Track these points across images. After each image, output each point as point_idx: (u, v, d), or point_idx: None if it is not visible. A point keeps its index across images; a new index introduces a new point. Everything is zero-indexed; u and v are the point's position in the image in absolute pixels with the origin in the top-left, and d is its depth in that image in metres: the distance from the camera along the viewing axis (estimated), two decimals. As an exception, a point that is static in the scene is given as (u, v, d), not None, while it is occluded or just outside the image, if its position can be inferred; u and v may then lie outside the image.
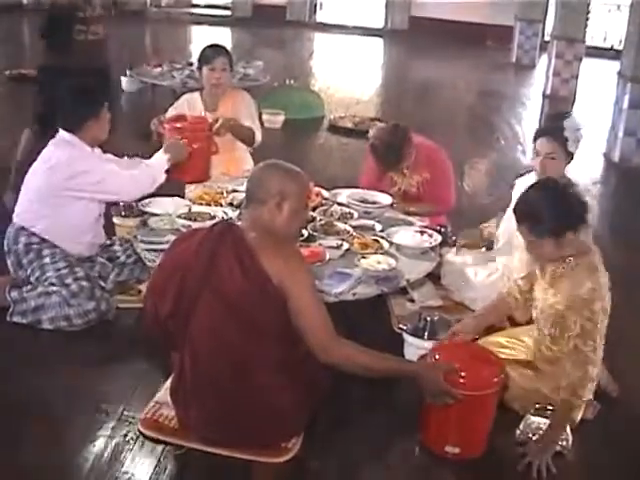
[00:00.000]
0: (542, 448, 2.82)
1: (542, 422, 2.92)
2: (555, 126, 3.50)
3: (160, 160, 3.89)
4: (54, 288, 3.57)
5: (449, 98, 9.80)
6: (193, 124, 4.16)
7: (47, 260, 3.63)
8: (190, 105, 4.57)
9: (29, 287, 3.64)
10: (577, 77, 10.75)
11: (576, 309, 2.84)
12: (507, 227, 3.80)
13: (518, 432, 2.94)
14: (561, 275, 2.95)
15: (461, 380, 2.72)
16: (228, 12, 17.30)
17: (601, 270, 2.91)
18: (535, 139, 3.55)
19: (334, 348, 2.60)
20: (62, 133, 3.68)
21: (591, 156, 7.62)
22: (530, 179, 3.70)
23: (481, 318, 3.31)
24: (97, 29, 12.74)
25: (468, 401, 2.73)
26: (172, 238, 3.06)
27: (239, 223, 2.79)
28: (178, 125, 4.11)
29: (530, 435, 2.92)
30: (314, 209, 3.91)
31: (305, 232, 3.56)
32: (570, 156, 3.48)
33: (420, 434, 2.91)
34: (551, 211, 2.81)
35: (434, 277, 3.79)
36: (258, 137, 4.53)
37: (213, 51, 4.50)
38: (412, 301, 3.73)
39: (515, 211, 2.95)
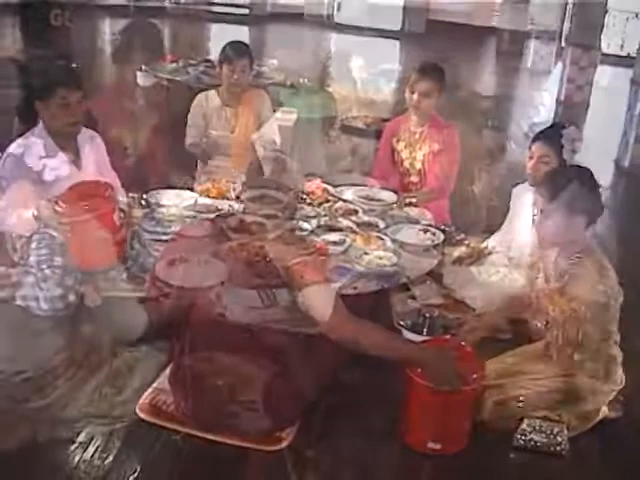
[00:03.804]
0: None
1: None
2: (553, 132, 3.55)
3: None
4: (32, 270, 3.58)
5: (463, 101, 9.78)
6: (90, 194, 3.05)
7: (33, 245, 3.62)
8: (207, 102, 4.60)
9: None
10: (591, 84, 10.72)
11: (593, 313, 2.84)
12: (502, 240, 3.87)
13: (515, 438, 2.90)
14: (571, 277, 2.91)
15: None
16: (246, 10, 17.37)
17: (610, 268, 2.91)
18: (532, 142, 3.59)
19: (344, 326, 2.62)
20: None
21: (602, 162, 7.61)
22: (526, 187, 3.73)
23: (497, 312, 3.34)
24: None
25: (448, 397, 2.74)
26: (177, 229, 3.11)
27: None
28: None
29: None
30: (319, 205, 3.95)
31: (309, 227, 3.60)
32: (564, 164, 3.48)
33: (403, 432, 2.89)
34: (576, 182, 2.88)
35: (436, 275, 3.82)
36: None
37: (235, 52, 4.47)
38: (414, 298, 3.75)
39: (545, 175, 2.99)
